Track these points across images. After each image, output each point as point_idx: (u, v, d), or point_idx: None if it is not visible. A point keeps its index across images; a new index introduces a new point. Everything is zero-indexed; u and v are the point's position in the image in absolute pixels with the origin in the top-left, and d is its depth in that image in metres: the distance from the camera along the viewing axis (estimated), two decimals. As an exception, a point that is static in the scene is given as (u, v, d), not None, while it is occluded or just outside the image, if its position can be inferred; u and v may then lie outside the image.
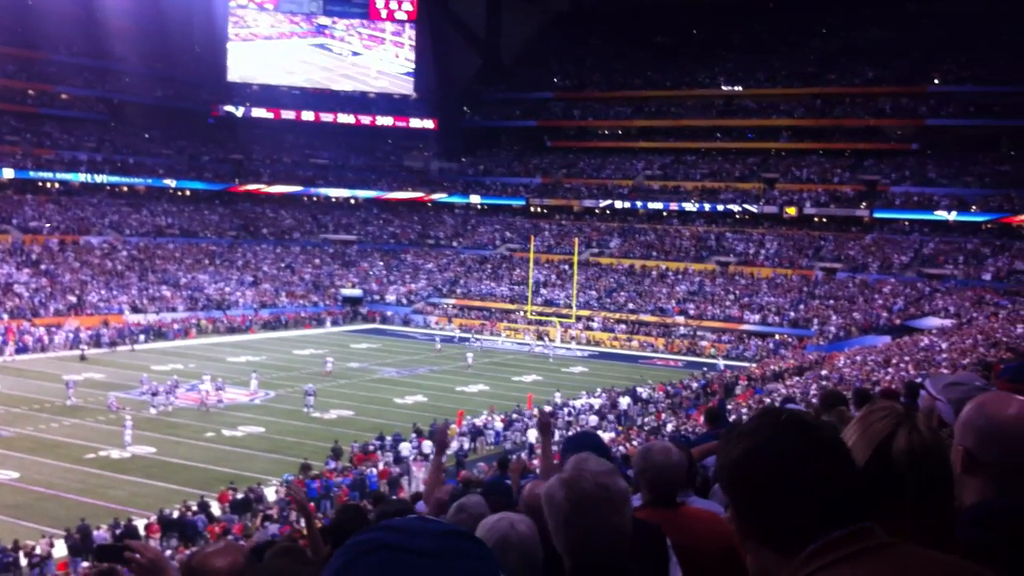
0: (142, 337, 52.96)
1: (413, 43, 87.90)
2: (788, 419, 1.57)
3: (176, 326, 56.42)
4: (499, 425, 34.20)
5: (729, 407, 28.57)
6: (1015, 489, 2.12)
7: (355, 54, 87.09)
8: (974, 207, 64.82)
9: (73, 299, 55.94)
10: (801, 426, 1.56)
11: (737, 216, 73.32)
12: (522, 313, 62.77)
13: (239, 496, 25.08)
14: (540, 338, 59.42)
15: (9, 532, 22.12)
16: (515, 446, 32.57)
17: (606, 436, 28.54)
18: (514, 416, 35.23)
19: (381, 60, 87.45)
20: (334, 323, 64.37)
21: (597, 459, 2.58)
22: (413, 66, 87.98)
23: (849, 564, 1.45)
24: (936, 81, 72.26)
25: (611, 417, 36.79)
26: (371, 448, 30.34)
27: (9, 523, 23.19)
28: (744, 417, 26.42)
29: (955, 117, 70.63)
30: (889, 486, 1.82)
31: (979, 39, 72.24)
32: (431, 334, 61.07)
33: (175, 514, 23.26)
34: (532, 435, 32.12)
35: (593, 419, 35.61)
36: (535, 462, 20.29)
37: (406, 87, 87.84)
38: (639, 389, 40.92)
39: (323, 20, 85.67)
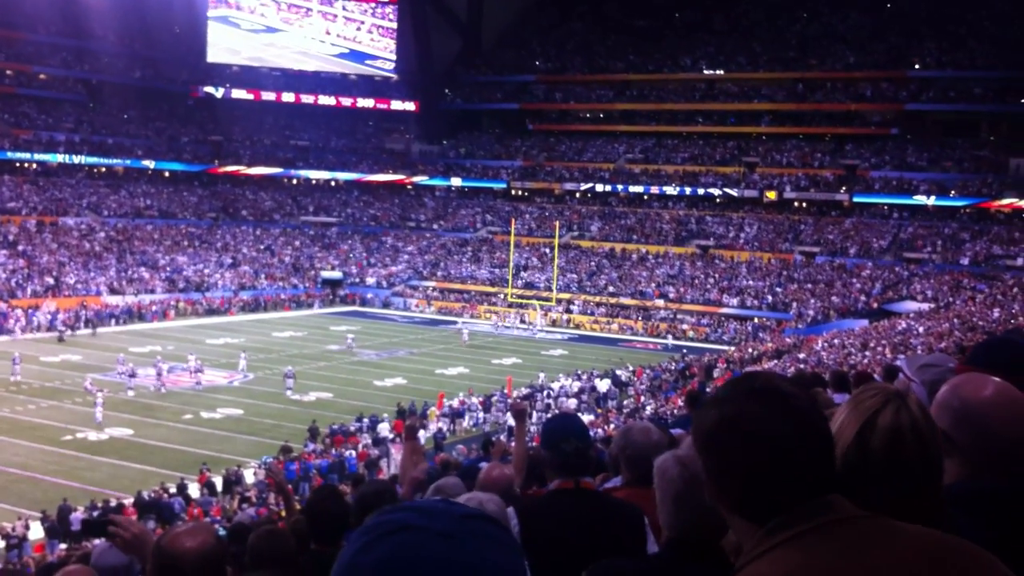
0: (113, 321, 52.56)
1: (395, 25, 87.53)
2: (762, 387, 1.54)
3: (155, 308, 56.14)
4: (478, 407, 34.24)
5: (708, 390, 28.72)
6: (989, 471, 2.11)
7: (337, 35, 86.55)
8: (953, 192, 65.16)
9: (51, 280, 55.58)
10: (775, 394, 1.52)
11: (717, 200, 73.50)
12: (503, 296, 62.77)
13: (219, 477, 25.05)
14: (522, 321, 59.45)
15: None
16: (494, 428, 32.59)
17: (585, 419, 28.59)
18: (494, 399, 35.26)
19: (362, 42, 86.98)
20: (309, 305, 64.13)
21: None
22: (394, 48, 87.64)
23: (806, 540, 1.43)
24: (916, 66, 72.44)
25: (585, 399, 36.89)
26: (351, 430, 30.34)
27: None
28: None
29: (935, 102, 70.88)
30: (871, 464, 1.80)
31: (959, 24, 72.53)
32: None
33: (153, 496, 23.17)
34: (511, 417, 32.13)
35: (572, 402, 35.66)
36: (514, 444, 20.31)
37: (387, 68, 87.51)
38: (618, 372, 41.06)
39: (304, 1, 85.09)
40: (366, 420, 30.88)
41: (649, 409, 33.15)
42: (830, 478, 1.50)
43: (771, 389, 1.53)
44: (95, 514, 20.94)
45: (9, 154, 66.73)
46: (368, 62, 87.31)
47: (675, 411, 29.63)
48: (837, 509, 1.47)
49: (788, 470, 1.47)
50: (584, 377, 39.59)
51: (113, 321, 52.25)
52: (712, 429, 1.53)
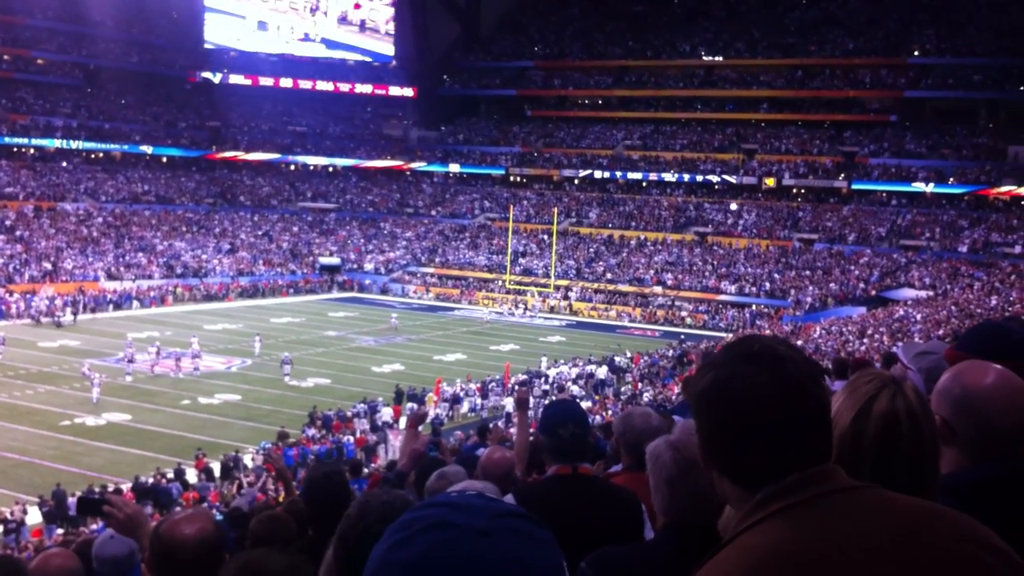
0: (112, 306, 52.51)
1: (393, 11, 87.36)
2: (759, 350, 1.49)
3: (152, 293, 56.10)
4: (475, 393, 34.27)
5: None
6: (990, 460, 2.11)
7: (335, 21, 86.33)
8: (951, 179, 65.11)
9: (48, 266, 55.51)
10: (772, 358, 1.47)
11: (716, 187, 73.43)
12: (500, 283, 62.76)
13: (216, 463, 25.09)
14: (517, 306, 59.45)
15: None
16: (492, 414, 32.64)
17: (583, 405, 28.61)
18: (491, 385, 35.29)
19: (360, 28, 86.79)
20: (308, 292, 64.07)
21: None
22: (393, 34, 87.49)
23: (797, 512, 1.40)
24: (915, 53, 72.30)
25: (581, 384, 36.94)
26: (348, 415, 30.39)
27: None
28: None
29: (934, 89, 70.79)
30: (865, 449, 1.79)
31: (958, 11, 72.40)
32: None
33: (150, 481, 23.20)
34: (509, 403, 32.18)
35: (574, 388, 35.70)
36: (512, 430, 20.34)
37: (386, 54, 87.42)
38: (616, 358, 41.11)
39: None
40: (363, 405, 30.87)
41: (647, 396, 33.19)
42: (825, 449, 1.47)
43: (768, 352, 1.48)
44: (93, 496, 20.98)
45: (6, 139, 66.60)
46: (366, 48, 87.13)
47: (673, 398, 29.70)
48: (830, 479, 1.44)
49: (780, 436, 1.43)
50: (581, 364, 39.63)
51: (112, 307, 52.16)
52: (706, 390, 1.50)
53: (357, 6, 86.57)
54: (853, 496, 1.42)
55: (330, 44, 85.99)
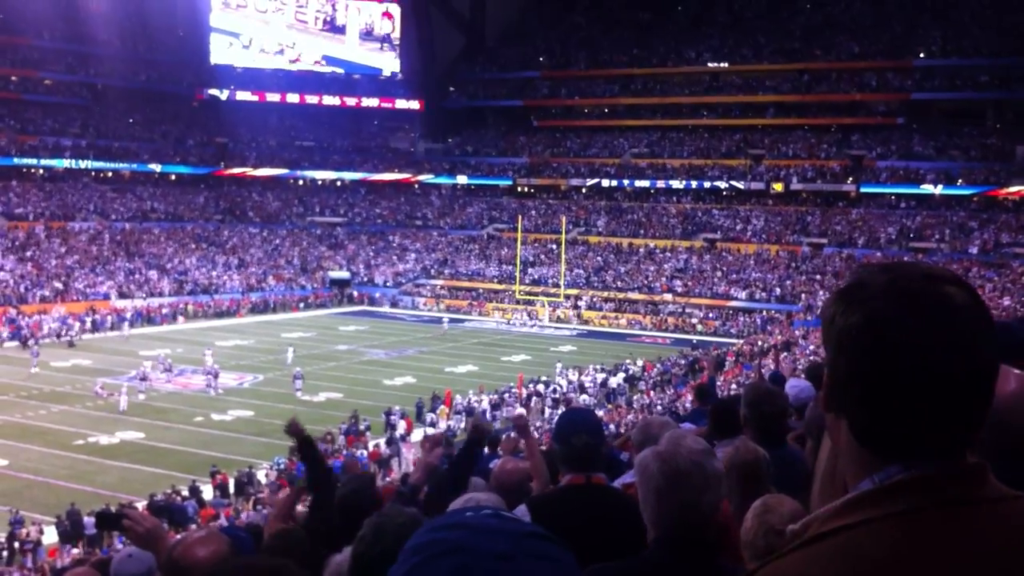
0: (126, 325, 52.60)
1: (398, 24, 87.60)
2: (927, 290, 1.20)
3: (164, 311, 56.22)
4: (486, 406, 34.26)
5: (718, 383, 28.68)
6: (1007, 467, 2.09)
7: (341, 35, 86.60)
8: (960, 180, 64.94)
9: (59, 285, 55.69)
10: (941, 304, 1.19)
11: (724, 193, 73.32)
12: (510, 293, 62.75)
13: (231, 479, 25.11)
14: (530, 317, 59.46)
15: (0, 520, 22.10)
16: (505, 424, 32.59)
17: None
18: (505, 395, 35.27)
19: (366, 42, 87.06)
20: (318, 306, 64.15)
21: (694, 437, 2.68)
22: (398, 47, 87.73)
23: (931, 520, 1.15)
24: (921, 55, 72.20)
25: (593, 392, 36.90)
26: (360, 429, 30.42)
27: (-2, 511, 23.17)
28: (731, 392, 26.48)
29: (940, 90, 70.64)
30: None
31: (963, 11, 72.29)
32: (419, 315, 61.12)
33: (164, 498, 23.22)
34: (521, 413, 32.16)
35: (584, 397, 35.67)
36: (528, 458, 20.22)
37: (391, 67, 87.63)
38: (627, 366, 41.05)
39: (304, 2, 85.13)
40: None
41: (659, 404, 33.12)
42: (977, 422, 1.21)
43: (936, 295, 1.19)
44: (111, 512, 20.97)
45: (16, 160, 66.93)
46: (372, 61, 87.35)
47: (686, 405, 29.63)
48: (979, 481, 1.18)
49: (932, 400, 1.17)
50: (593, 372, 39.59)
51: (126, 325, 52.27)
52: (852, 329, 1.21)
53: (363, 21, 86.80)
54: (1016, 507, 1.17)
55: (336, 58, 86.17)
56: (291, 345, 43.67)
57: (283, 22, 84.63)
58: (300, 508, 6.03)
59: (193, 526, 20.68)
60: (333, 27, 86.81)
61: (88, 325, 50.57)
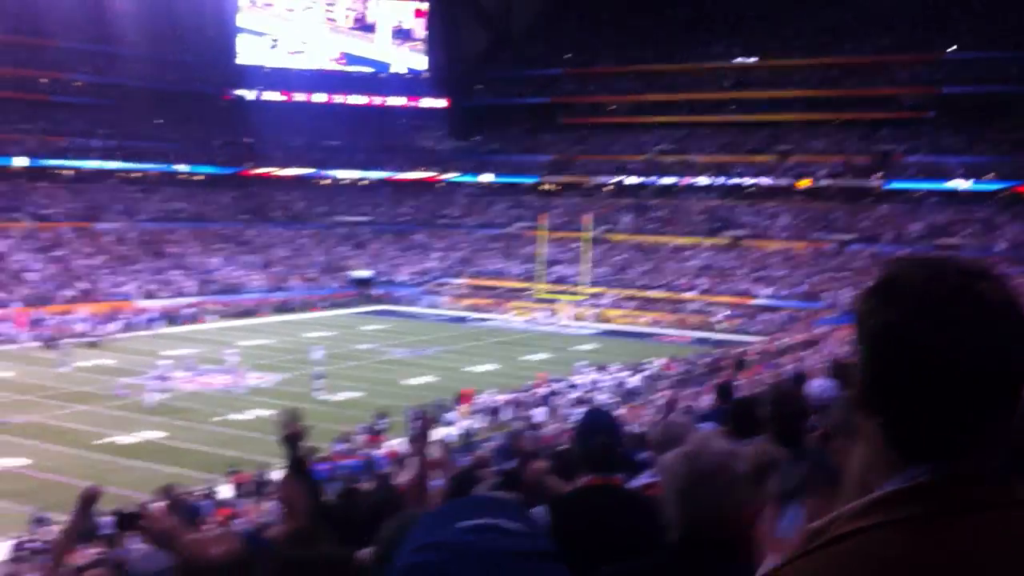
0: (151, 324, 53.09)
1: (424, 22, 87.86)
2: (959, 293, 1.17)
3: (188, 311, 56.59)
4: (504, 405, 34.23)
5: (740, 382, 28.50)
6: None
7: (368, 34, 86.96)
8: (989, 175, 64.25)
9: (85, 285, 56.19)
10: (975, 306, 1.16)
11: (750, 189, 72.92)
12: (532, 292, 62.72)
13: (250, 479, 25.22)
14: (552, 315, 59.47)
15: (21, 519, 22.26)
16: (523, 424, 32.55)
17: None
18: (522, 396, 35.25)
19: (393, 40, 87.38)
20: (342, 305, 64.33)
21: (719, 438, 2.75)
22: (425, 45, 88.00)
23: (946, 526, 1.12)
24: (952, 48, 71.42)
25: (611, 391, 36.78)
26: (377, 428, 30.48)
27: (19, 510, 23.33)
28: (755, 391, 26.30)
29: (970, 83, 69.82)
30: None
31: (993, 3, 71.38)
32: (440, 314, 61.31)
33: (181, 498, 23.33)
34: (538, 413, 32.19)
35: (603, 396, 35.57)
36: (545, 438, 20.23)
37: (420, 66, 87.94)
38: (647, 365, 40.91)
39: (333, 1, 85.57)
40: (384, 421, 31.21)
41: (681, 404, 32.95)
42: (1007, 417, 1.16)
43: (969, 296, 1.16)
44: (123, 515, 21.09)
45: (44, 161, 67.60)
46: (401, 60, 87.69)
47: (707, 405, 29.46)
48: (1000, 485, 1.15)
49: (963, 407, 1.14)
50: (613, 371, 39.49)
51: (148, 324, 52.62)
52: (882, 331, 1.18)
53: (390, 20, 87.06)
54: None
55: (362, 57, 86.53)
56: (317, 344, 43.79)
57: (312, 21, 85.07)
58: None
59: (207, 528, 20.78)
60: (364, 25, 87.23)
61: (111, 327, 50.97)
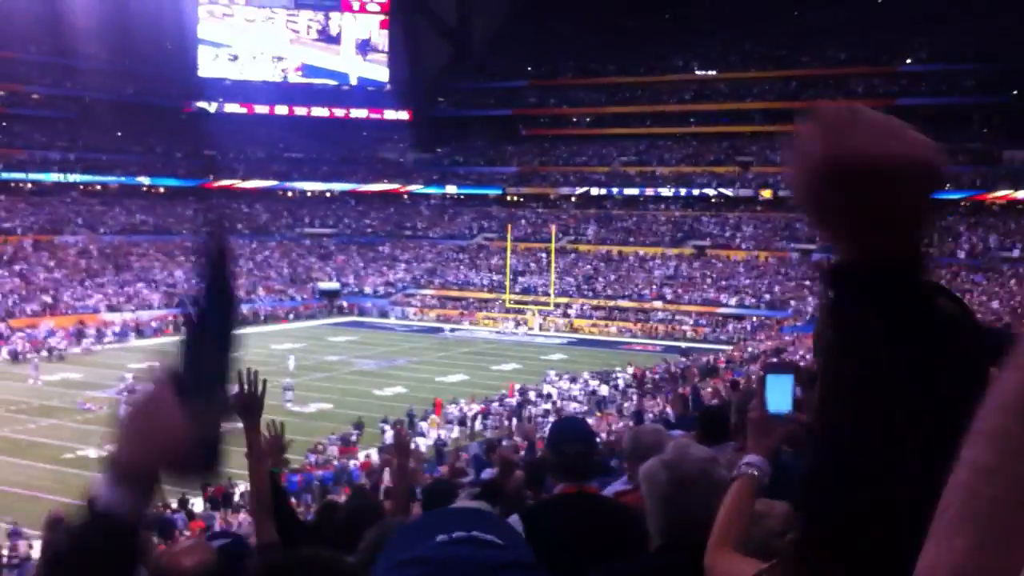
0: (115, 337, 52.54)
1: (386, 34, 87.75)
2: (916, 306, 1.21)
3: (154, 323, 56.04)
4: (478, 414, 34.24)
5: (708, 390, 28.69)
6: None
7: (328, 41, 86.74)
8: (948, 185, 65.04)
9: (48, 299, 55.51)
10: (939, 322, 1.19)
11: (713, 200, 73.49)
12: (502, 302, 62.76)
13: (222, 491, 25.00)
14: (517, 325, 59.54)
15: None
16: (497, 434, 32.55)
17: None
18: (494, 405, 35.26)
19: (354, 53, 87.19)
20: (308, 317, 64.04)
21: (698, 446, 2.78)
22: (386, 58, 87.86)
23: None
24: (907, 61, 72.51)
25: (583, 400, 36.88)
26: (352, 439, 30.38)
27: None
28: (721, 399, 26.47)
29: (926, 96, 70.87)
30: None
31: (948, 17, 72.50)
32: (409, 325, 61.12)
33: (153, 512, 23.09)
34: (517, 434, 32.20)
35: (574, 405, 35.64)
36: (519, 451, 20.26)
37: (381, 78, 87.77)
38: (616, 374, 41.06)
39: (295, 12, 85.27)
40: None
41: (650, 412, 33.08)
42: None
43: (926, 314, 1.19)
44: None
45: (3, 174, 66.76)
46: (364, 72, 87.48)
47: (675, 413, 29.58)
48: None
49: (919, 421, 1.13)
50: (582, 380, 39.60)
51: (113, 337, 52.02)
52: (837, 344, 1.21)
53: (351, 32, 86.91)
54: None
55: (324, 70, 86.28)
56: (289, 353, 43.61)
57: (274, 32, 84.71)
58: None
59: (180, 539, 20.60)
60: (327, 37, 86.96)
61: (78, 339, 50.37)
